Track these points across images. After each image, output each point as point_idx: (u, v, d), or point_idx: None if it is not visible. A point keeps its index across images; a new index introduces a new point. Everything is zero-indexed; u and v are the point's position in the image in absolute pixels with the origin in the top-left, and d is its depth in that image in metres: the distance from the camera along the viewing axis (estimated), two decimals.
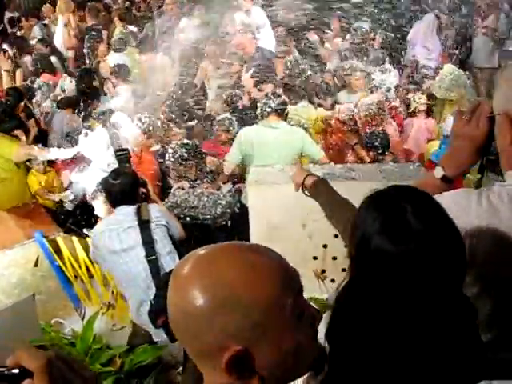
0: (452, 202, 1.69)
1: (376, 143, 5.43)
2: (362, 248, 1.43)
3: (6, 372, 0.93)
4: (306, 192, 2.47)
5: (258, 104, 5.34)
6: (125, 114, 6.11)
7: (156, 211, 3.94)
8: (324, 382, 1.39)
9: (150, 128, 5.79)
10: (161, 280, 3.65)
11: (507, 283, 1.59)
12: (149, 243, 3.78)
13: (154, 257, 3.76)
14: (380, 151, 5.41)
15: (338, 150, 5.89)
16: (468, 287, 1.58)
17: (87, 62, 8.67)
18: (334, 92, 6.83)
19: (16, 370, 0.93)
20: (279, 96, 5.10)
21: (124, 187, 3.91)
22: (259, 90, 6.50)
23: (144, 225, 3.81)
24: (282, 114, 5.04)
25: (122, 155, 4.45)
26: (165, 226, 3.92)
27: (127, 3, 11.02)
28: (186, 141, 5.69)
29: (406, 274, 1.35)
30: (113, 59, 8.05)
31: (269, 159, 4.89)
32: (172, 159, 5.44)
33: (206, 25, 8.16)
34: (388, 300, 1.36)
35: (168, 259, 3.80)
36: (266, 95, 5.38)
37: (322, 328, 1.26)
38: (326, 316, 1.40)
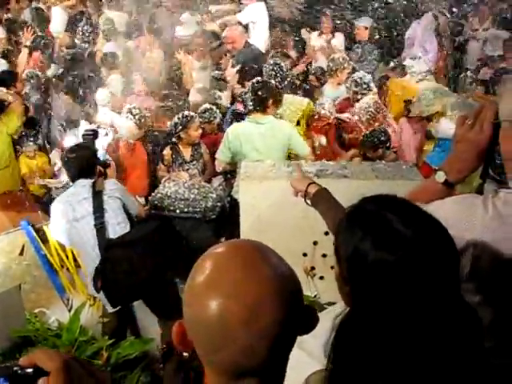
0: (456, 208, 1.68)
1: (377, 141, 5.42)
2: (357, 268, 1.41)
3: (19, 371, 0.95)
4: (308, 201, 2.47)
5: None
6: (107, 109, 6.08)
7: (111, 184, 4.12)
8: None
9: (142, 120, 5.77)
10: (104, 246, 3.83)
11: (510, 292, 1.58)
12: (99, 212, 3.94)
13: (101, 225, 3.92)
14: (382, 148, 5.41)
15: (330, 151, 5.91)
16: (470, 295, 1.56)
17: (79, 50, 8.54)
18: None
19: (30, 370, 0.95)
20: (255, 90, 5.04)
21: (81, 161, 4.08)
22: (242, 87, 6.48)
23: (97, 195, 3.97)
24: (264, 109, 5.00)
25: (87, 135, 4.55)
26: (119, 198, 4.06)
27: None
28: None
29: (408, 281, 1.34)
30: (105, 48, 8.01)
31: (256, 154, 4.89)
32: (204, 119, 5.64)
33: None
34: (394, 313, 1.35)
35: (117, 229, 3.96)
36: (245, 93, 5.36)
37: (309, 338, 1.24)
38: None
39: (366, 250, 1.38)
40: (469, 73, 6.85)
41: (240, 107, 5.99)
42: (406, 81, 6.76)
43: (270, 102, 5.03)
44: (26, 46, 7.59)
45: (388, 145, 5.44)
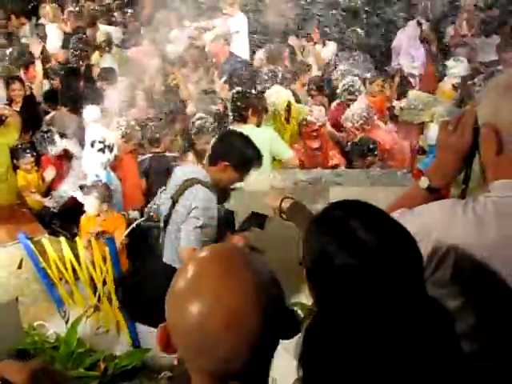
0: (437, 212, 1.70)
1: (365, 149, 5.45)
2: (322, 272, 1.45)
3: None
4: (283, 216, 2.49)
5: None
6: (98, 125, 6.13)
7: None
8: None
9: (128, 131, 5.79)
10: None
11: (491, 296, 1.60)
12: None
13: None
14: (370, 156, 5.44)
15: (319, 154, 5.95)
16: (451, 299, 1.58)
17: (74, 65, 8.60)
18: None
19: None
20: (234, 100, 5.07)
21: None
22: None
23: None
24: (243, 119, 5.03)
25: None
26: None
27: (113, 3, 11.03)
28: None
29: (371, 287, 1.37)
30: (102, 62, 8.07)
31: None
32: (195, 129, 5.61)
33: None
34: (359, 316, 1.37)
35: None
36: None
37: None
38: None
39: (331, 255, 1.41)
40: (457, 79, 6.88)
41: None
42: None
43: (250, 112, 5.08)
44: (37, 59, 7.68)
45: (376, 153, 5.47)
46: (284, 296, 1.20)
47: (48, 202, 5.87)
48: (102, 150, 5.41)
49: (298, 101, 6.49)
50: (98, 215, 5.07)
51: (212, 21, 8.30)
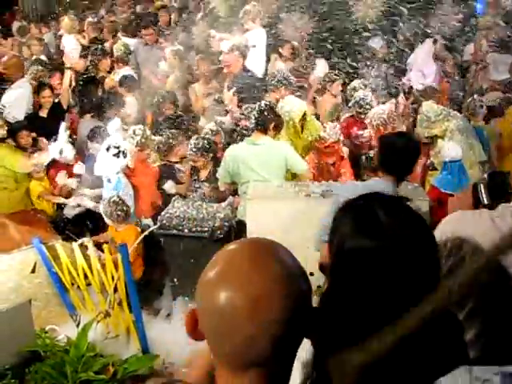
0: (461, 219, 1.79)
1: (373, 165, 5.48)
2: (339, 250, 1.52)
3: None
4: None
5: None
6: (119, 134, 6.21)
7: None
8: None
9: (143, 140, 5.88)
10: None
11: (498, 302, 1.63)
12: None
13: None
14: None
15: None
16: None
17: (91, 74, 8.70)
18: None
19: None
20: (261, 110, 5.16)
21: None
22: (241, 110, 6.66)
23: None
24: (265, 129, 5.11)
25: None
26: None
27: (131, 16, 11.14)
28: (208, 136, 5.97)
29: (383, 269, 1.44)
30: (122, 71, 8.17)
31: (254, 175, 5.03)
32: (194, 149, 5.64)
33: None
34: (368, 293, 1.45)
35: None
36: (244, 113, 5.47)
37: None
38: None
39: (347, 236, 1.50)
40: (476, 96, 6.86)
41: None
42: None
43: (272, 125, 5.21)
44: (68, 68, 7.80)
45: None
46: (310, 292, 1.22)
47: (67, 208, 5.97)
48: (116, 155, 5.49)
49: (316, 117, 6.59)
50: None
51: (231, 33, 8.36)
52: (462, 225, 1.75)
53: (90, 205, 5.90)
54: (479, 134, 6.18)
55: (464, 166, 5.54)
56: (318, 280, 4.23)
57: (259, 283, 1.13)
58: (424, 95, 7.01)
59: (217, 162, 5.68)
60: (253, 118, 5.21)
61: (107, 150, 5.48)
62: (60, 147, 5.91)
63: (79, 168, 6.22)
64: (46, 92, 7.24)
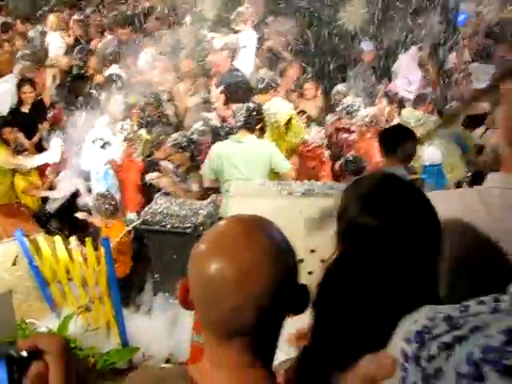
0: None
1: (359, 167, 5.57)
2: (348, 227, 1.58)
3: (14, 354, 0.97)
4: None
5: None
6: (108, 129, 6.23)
7: None
8: (308, 350, 1.52)
9: (131, 135, 5.94)
10: None
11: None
12: None
13: None
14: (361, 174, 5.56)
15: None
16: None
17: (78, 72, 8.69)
18: None
19: (25, 353, 0.98)
20: (250, 110, 5.26)
21: None
22: (227, 109, 6.80)
23: None
24: (251, 128, 5.21)
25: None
26: None
27: (119, 15, 11.14)
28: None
29: (388, 245, 1.50)
30: (110, 69, 8.19)
31: (237, 172, 5.11)
32: (170, 145, 5.75)
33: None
34: (372, 268, 1.50)
35: None
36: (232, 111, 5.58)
37: None
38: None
39: (355, 211, 1.56)
40: (456, 102, 6.99)
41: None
42: None
43: (259, 126, 5.33)
44: (51, 66, 7.80)
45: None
46: (297, 267, 1.26)
47: (49, 203, 5.98)
48: (103, 147, 5.54)
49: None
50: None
51: (221, 33, 8.42)
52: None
53: (81, 187, 5.91)
54: (459, 139, 6.30)
55: (442, 171, 5.66)
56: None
57: (249, 257, 1.18)
58: (418, 102, 7.11)
59: (196, 161, 5.78)
60: (241, 117, 5.29)
61: (93, 142, 5.52)
62: (50, 160, 5.96)
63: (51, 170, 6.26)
64: (27, 87, 7.20)
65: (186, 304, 1.28)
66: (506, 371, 0.61)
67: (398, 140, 4.31)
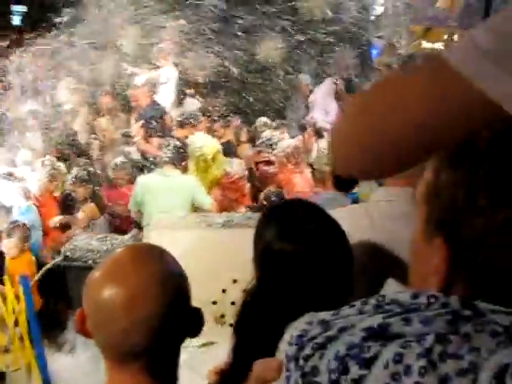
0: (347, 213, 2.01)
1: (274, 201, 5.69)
2: (264, 253, 1.65)
3: None
4: None
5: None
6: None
7: None
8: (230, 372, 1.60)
9: (52, 171, 5.89)
10: None
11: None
12: None
13: None
14: None
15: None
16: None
17: None
18: None
19: None
20: (177, 147, 5.41)
21: None
22: (147, 143, 6.95)
23: None
24: (177, 164, 5.37)
25: None
26: None
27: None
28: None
29: (304, 270, 1.58)
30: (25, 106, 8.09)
31: (160, 205, 5.16)
32: (73, 179, 5.88)
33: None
34: (288, 292, 1.58)
35: None
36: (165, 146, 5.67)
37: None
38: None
39: (272, 240, 1.63)
40: None
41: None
42: None
43: (184, 163, 5.56)
44: None
45: None
46: (190, 294, 1.34)
47: None
48: (13, 180, 5.51)
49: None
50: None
51: (142, 68, 8.52)
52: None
53: None
54: None
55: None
56: (220, 309, 4.36)
57: (136, 282, 1.26)
58: None
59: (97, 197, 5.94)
60: (168, 152, 5.42)
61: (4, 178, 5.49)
62: None
63: None
64: None
65: (84, 331, 1.33)
66: (365, 363, 0.70)
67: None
